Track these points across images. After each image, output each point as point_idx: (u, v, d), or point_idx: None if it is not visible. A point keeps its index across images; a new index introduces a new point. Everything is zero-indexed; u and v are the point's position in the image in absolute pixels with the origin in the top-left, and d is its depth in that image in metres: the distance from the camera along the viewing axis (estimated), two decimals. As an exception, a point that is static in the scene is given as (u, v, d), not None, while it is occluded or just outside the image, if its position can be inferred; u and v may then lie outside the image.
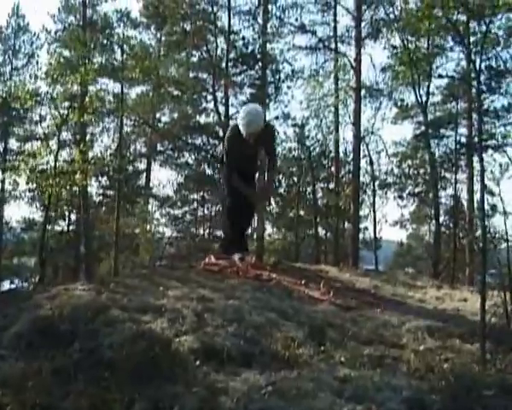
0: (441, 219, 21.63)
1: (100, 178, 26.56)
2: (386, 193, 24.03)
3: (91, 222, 24.53)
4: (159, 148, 27.67)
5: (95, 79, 8.92)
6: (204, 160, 26.54)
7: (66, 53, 24.79)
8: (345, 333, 3.97)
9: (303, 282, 5.46)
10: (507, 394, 2.87)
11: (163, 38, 22.23)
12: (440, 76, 19.63)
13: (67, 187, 8.91)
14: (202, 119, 25.81)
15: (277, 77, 22.56)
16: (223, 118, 21.00)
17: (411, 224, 29.26)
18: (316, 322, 4.08)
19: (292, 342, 3.59)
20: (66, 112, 8.57)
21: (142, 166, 30.58)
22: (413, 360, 3.62)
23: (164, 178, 49.35)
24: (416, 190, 24.70)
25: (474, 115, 18.49)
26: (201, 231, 30.25)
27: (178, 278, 5.03)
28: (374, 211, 22.46)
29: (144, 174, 30.42)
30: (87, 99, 9.59)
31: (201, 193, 29.94)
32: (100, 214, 27.26)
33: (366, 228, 25.84)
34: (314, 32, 22.49)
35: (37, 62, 26.80)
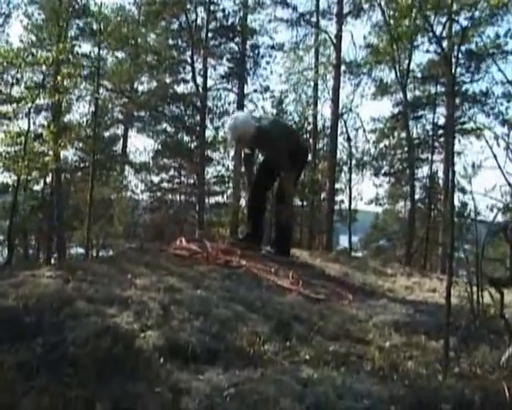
0: (416, 197, 21.84)
1: (76, 143, 26.26)
2: (362, 171, 24.12)
3: (66, 190, 24.27)
4: (136, 114, 27.48)
5: (68, 57, 8.72)
6: (181, 129, 26.41)
7: (42, 16, 24.57)
8: (311, 328, 3.98)
9: (273, 270, 5.46)
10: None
11: (142, 8, 21.85)
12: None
13: (38, 170, 8.74)
14: (180, 88, 25.62)
15: (256, 52, 22.42)
16: (201, 89, 20.87)
17: (387, 202, 29.48)
18: (283, 315, 4.09)
19: (257, 338, 3.60)
20: (36, 92, 8.36)
21: (118, 131, 30.37)
22: (377, 357, 3.65)
23: (141, 146, 49.07)
24: (392, 170, 24.84)
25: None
26: (177, 198, 30.02)
27: (147, 263, 5.01)
28: (350, 188, 22.55)
29: (121, 141, 30.22)
30: (59, 78, 9.40)
31: (179, 161, 29.76)
32: (75, 181, 27.00)
33: (342, 201, 25.99)
34: (295, 8, 22.36)
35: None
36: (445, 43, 18.19)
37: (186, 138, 27.37)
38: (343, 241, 26.56)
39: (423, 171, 23.93)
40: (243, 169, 7.11)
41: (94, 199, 19.51)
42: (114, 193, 21.29)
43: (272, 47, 22.91)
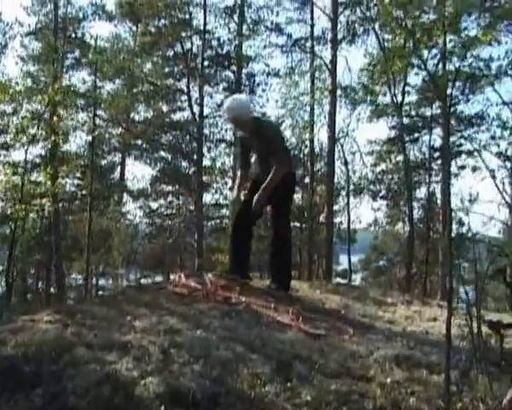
0: (415, 217, 21.86)
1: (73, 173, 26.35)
2: (360, 195, 24.19)
3: (63, 220, 24.27)
4: (133, 142, 27.56)
5: (64, 99, 8.75)
6: (179, 155, 26.49)
7: (38, 45, 24.80)
8: (312, 366, 3.97)
9: (272, 306, 5.45)
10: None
11: (137, 38, 22.03)
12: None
13: (35, 212, 8.72)
14: (177, 116, 25.74)
15: (252, 80, 22.57)
16: (197, 118, 20.98)
17: (385, 224, 29.49)
18: (283, 355, 4.08)
19: (258, 380, 3.59)
20: (33, 132, 8.35)
21: (116, 159, 30.49)
22: (379, 395, 3.64)
23: (138, 173, 49.36)
24: (390, 193, 24.89)
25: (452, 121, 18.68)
26: (176, 224, 29.92)
27: (147, 303, 4.99)
28: (348, 212, 22.60)
29: (118, 169, 30.35)
30: (55, 119, 9.45)
31: (176, 186, 29.80)
32: (72, 210, 27.02)
33: (341, 223, 26.01)
34: (290, 35, 22.58)
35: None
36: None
37: (184, 164, 27.44)
38: (342, 260, 26.52)
39: (421, 192, 24.07)
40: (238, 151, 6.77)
41: (92, 229, 19.58)
42: (113, 223, 21.26)
43: (268, 74, 23.08)
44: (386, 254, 32.22)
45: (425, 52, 16.72)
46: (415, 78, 22.80)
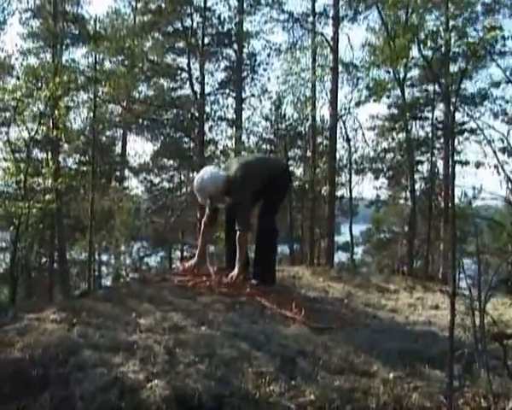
0: (417, 194, 21.89)
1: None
2: (362, 174, 24.22)
3: (66, 201, 24.25)
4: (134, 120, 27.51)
5: (65, 93, 8.67)
6: (180, 132, 26.44)
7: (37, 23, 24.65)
8: (316, 362, 4.01)
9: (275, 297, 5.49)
10: None
11: (137, 18, 21.88)
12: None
13: (38, 209, 8.67)
14: (178, 94, 25.62)
15: (253, 59, 22.47)
16: (198, 96, 20.94)
17: (388, 201, 29.54)
18: (287, 351, 4.11)
19: (262, 379, 3.63)
20: (35, 127, 8.29)
21: (117, 134, 30.43)
22: (382, 392, 3.69)
23: (139, 149, 49.53)
24: (391, 172, 24.90)
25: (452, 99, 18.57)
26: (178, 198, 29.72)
27: (151, 298, 5.03)
28: (350, 189, 22.59)
29: (120, 144, 30.38)
30: (57, 113, 9.37)
31: (178, 161, 29.73)
32: (74, 189, 26.98)
33: (342, 197, 26.01)
34: (291, 13, 22.40)
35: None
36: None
37: (185, 140, 27.34)
38: (344, 230, 26.48)
39: (423, 168, 24.06)
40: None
41: (95, 209, 19.61)
42: (115, 203, 21.26)
43: (269, 54, 22.98)
44: (389, 226, 32.30)
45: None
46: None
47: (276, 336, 4.42)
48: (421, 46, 14.51)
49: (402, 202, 28.71)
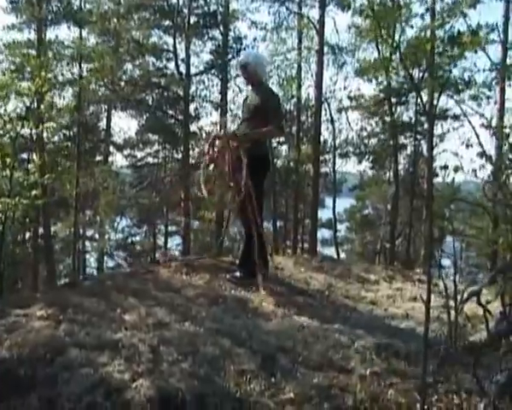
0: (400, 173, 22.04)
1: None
2: (346, 157, 24.35)
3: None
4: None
5: (50, 89, 8.62)
6: (165, 112, 26.36)
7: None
8: (296, 359, 4.13)
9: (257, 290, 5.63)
10: None
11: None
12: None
13: (26, 205, 8.65)
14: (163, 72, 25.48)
15: (239, 43, 22.43)
16: (183, 76, 20.91)
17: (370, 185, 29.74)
18: (268, 348, 4.23)
19: (244, 377, 3.75)
20: (20, 125, 8.26)
21: (101, 110, 30.30)
22: (359, 389, 3.82)
23: (124, 126, 49.46)
24: (375, 156, 25.04)
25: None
26: (162, 175, 29.66)
27: (135, 292, 5.13)
28: (334, 171, 22.72)
29: (104, 121, 30.28)
30: (42, 107, 9.30)
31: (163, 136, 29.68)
32: (59, 164, 26.87)
33: (326, 174, 26.14)
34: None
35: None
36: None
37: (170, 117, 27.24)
38: (328, 203, 26.63)
39: (407, 152, 24.21)
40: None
41: (79, 190, 19.59)
42: (100, 184, 21.22)
43: (255, 39, 22.97)
44: (373, 203, 32.56)
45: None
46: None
47: (257, 331, 4.53)
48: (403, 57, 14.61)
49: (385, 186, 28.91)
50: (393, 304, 6.20)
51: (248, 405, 3.47)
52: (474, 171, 4.21)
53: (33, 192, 8.46)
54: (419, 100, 18.42)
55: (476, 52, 14.65)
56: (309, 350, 4.31)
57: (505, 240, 4.62)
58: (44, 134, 9.12)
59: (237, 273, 6.22)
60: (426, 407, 3.60)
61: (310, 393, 3.68)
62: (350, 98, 24.18)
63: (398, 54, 15.73)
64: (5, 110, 8.42)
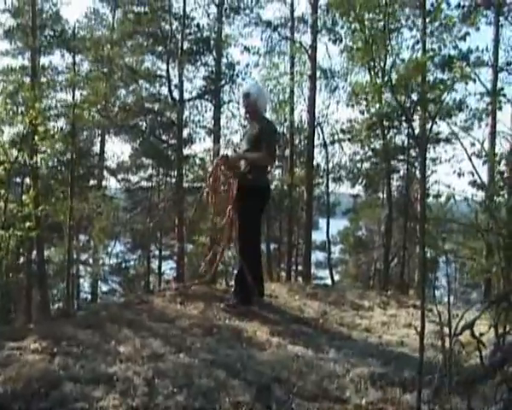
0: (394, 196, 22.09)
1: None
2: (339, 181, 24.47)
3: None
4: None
5: (44, 121, 8.65)
6: (158, 138, 26.47)
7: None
8: (290, 389, 4.13)
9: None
10: None
11: (116, 26, 21.89)
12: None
13: (20, 237, 8.63)
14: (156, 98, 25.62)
15: (232, 70, 22.60)
16: (177, 102, 21.04)
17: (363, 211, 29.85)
18: (263, 378, 4.23)
19: (239, 409, 3.75)
20: (15, 154, 8.27)
21: (94, 134, 30.40)
22: (354, 419, 3.83)
23: (118, 150, 49.65)
24: (367, 180, 25.15)
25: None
26: (156, 199, 29.66)
27: (130, 323, 5.13)
28: (328, 194, 22.78)
29: (98, 145, 30.39)
30: (36, 138, 9.34)
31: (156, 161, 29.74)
32: (53, 191, 26.90)
33: (321, 197, 26.22)
34: (270, 23, 22.59)
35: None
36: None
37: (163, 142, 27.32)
38: (322, 224, 26.63)
39: (400, 178, 24.31)
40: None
41: (73, 215, 19.56)
42: (94, 211, 21.22)
43: (247, 65, 23.14)
44: (366, 225, 32.65)
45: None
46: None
47: (252, 362, 4.53)
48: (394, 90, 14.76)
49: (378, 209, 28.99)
50: (388, 331, 6.20)
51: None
52: (467, 199, 4.25)
53: (27, 224, 8.44)
54: (411, 128, 18.56)
55: (467, 83, 14.78)
56: (304, 380, 4.31)
57: (498, 269, 4.65)
58: (38, 163, 9.13)
59: (231, 301, 6.25)
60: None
61: (305, 425, 3.68)
62: (343, 131, 24.33)
63: (388, 83, 15.81)
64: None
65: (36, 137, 9.20)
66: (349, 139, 24.17)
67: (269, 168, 7.01)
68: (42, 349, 4.28)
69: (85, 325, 4.99)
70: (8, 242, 7.79)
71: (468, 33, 16.69)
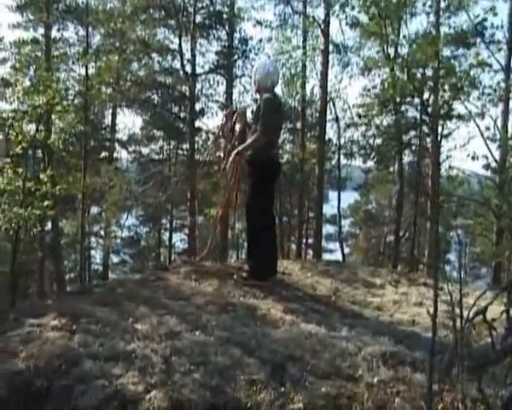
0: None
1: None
2: (351, 157, 24.45)
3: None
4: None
5: (61, 99, 8.64)
6: (170, 112, 26.48)
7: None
8: (304, 367, 4.21)
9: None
10: None
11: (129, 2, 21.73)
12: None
13: (38, 216, 8.71)
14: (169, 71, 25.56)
15: (245, 45, 22.50)
16: (189, 77, 21.03)
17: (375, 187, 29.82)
18: (277, 357, 4.31)
19: (254, 387, 3.84)
20: (32, 132, 8.31)
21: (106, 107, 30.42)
22: (366, 398, 3.90)
23: (129, 121, 49.75)
24: (379, 156, 25.07)
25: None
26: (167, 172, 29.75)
27: (146, 300, 5.23)
28: (339, 169, 22.75)
29: (109, 117, 30.45)
30: (53, 117, 9.35)
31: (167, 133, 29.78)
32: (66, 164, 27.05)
33: (332, 171, 26.25)
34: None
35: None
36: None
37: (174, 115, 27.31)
38: (332, 196, 26.69)
39: (412, 153, 24.22)
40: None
41: (86, 188, 19.70)
42: (106, 184, 21.30)
43: (261, 40, 23.07)
44: (377, 199, 32.69)
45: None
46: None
47: (266, 340, 4.61)
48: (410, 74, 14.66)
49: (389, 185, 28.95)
50: (399, 310, 6.27)
51: (259, 415, 3.56)
52: (478, 177, 4.28)
53: (46, 203, 8.54)
54: (425, 101, 18.40)
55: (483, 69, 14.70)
56: (317, 359, 4.39)
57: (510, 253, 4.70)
58: (55, 142, 9.18)
59: (244, 274, 6.40)
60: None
61: (318, 402, 3.76)
62: (359, 116, 24.27)
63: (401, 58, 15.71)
64: (18, 121, 8.52)
65: (53, 117, 9.24)
66: (360, 117, 24.06)
67: (277, 142, 7.07)
68: (61, 326, 4.39)
69: (102, 303, 5.09)
70: (26, 220, 7.90)
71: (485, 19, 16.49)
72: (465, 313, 3.76)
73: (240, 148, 6.50)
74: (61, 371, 3.70)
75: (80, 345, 4.07)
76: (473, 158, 5.93)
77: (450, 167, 17.63)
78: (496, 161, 14.64)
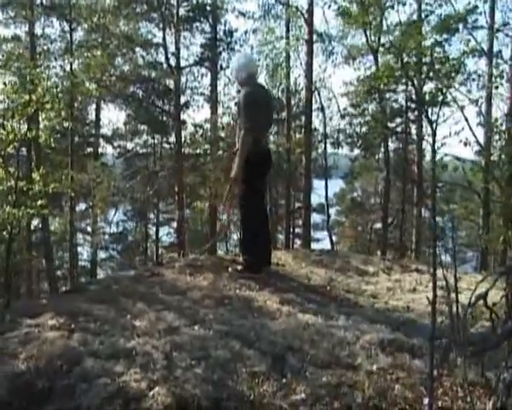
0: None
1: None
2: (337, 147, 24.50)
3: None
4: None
5: (52, 97, 8.56)
6: (155, 106, 26.37)
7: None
8: (304, 358, 4.23)
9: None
10: None
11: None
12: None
13: (31, 215, 8.67)
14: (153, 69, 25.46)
15: (229, 39, 22.47)
16: (174, 70, 20.95)
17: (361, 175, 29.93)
18: (277, 348, 4.32)
19: (256, 379, 3.85)
20: (23, 131, 8.24)
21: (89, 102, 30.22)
22: (367, 386, 3.92)
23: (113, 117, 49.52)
24: (365, 144, 25.13)
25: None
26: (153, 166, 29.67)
27: (142, 296, 5.22)
28: (325, 159, 22.80)
29: (93, 113, 30.30)
30: (44, 116, 9.27)
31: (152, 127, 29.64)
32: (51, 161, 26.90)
33: (317, 159, 26.31)
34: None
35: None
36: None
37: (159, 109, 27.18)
38: (317, 185, 26.74)
39: (398, 141, 24.32)
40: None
41: (74, 184, 19.54)
42: (93, 180, 21.21)
43: (246, 32, 23.02)
44: (362, 186, 32.83)
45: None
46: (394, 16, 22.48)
47: (265, 332, 4.62)
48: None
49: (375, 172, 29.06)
50: (393, 296, 6.31)
51: (263, 408, 3.57)
52: (461, 160, 4.29)
53: (39, 202, 8.50)
54: (410, 87, 18.48)
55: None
56: (316, 348, 4.41)
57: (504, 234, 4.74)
58: (47, 141, 9.09)
59: (239, 266, 6.40)
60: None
61: (320, 392, 3.77)
62: (345, 84, 24.30)
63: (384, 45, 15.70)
64: (8, 120, 8.46)
65: (42, 114, 9.16)
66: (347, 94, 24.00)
67: (265, 134, 7.05)
68: (60, 326, 4.36)
69: (99, 300, 5.08)
70: (19, 219, 7.85)
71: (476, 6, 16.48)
72: (461, 298, 3.79)
73: (235, 168, 6.41)
74: (63, 370, 3.68)
75: (80, 344, 4.05)
76: (465, 144, 5.97)
77: (445, 155, 17.69)
78: (479, 143, 14.77)
